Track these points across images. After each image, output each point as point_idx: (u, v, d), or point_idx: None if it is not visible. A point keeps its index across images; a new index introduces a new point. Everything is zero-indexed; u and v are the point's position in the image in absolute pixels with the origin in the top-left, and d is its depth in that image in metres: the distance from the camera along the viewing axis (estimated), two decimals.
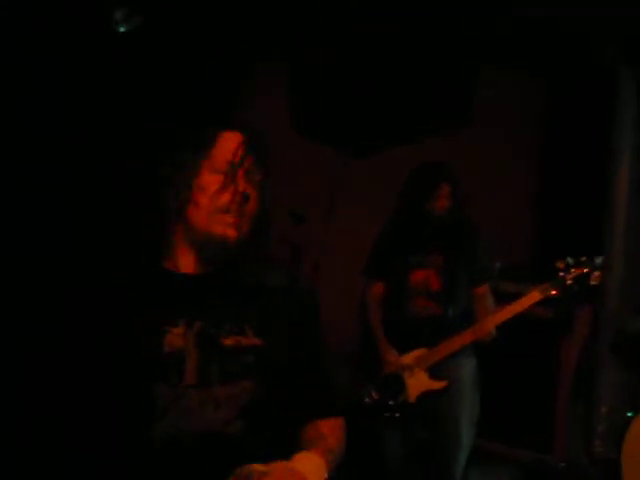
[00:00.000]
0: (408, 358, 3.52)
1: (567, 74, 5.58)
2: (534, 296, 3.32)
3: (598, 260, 3.25)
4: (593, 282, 3.24)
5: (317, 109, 4.73)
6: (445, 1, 4.55)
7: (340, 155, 4.78)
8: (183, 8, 3.49)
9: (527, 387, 5.05)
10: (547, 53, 5.27)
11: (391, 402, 3.53)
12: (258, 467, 1.52)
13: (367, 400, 3.59)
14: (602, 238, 5.23)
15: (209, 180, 1.76)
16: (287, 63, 4.85)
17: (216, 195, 1.75)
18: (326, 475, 1.65)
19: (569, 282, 3.25)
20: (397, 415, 3.53)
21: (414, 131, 4.86)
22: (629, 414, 4.23)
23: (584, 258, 3.26)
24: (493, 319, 3.40)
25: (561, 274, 3.27)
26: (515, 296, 3.48)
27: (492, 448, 5.12)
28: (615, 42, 4.93)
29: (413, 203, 3.56)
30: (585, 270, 3.24)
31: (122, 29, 2.78)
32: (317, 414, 1.81)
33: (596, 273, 3.23)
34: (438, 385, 3.47)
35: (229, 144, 1.80)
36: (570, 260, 3.27)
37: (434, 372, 3.48)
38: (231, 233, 1.74)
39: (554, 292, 3.28)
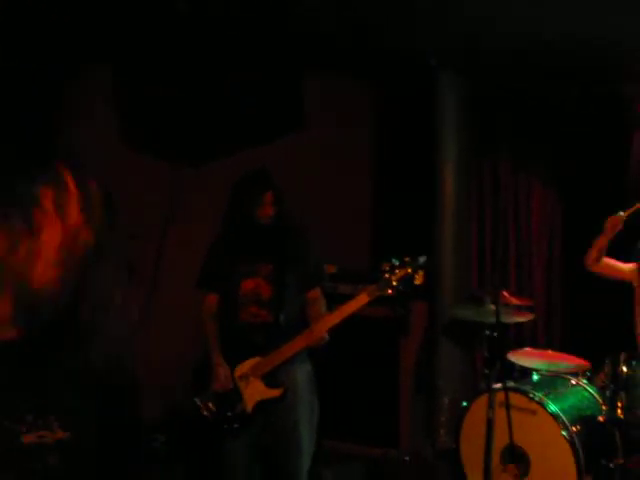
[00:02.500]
0: (243, 368, 3.51)
1: (395, 78, 5.77)
2: (362, 298, 3.38)
3: (422, 260, 3.34)
4: (417, 282, 3.32)
5: (146, 121, 4.61)
6: (276, 5, 4.58)
7: (174, 167, 4.69)
8: None
9: (371, 385, 5.18)
10: (374, 60, 5.42)
11: (229, 413, 3.51)
12: None
13: (206, 414, 3.55)
14: (432, 239, 5.47)
15: None
16: (112, 75, 4.70)
17: None
18: None
19: (394, 283, 3.32)
20: (236, 426, 3.51)
21: (246, 138, 4.85)
22: (464, 404, 4.43)
23: (408, 259, 3.34)
24: (324, 323, 3.44)
25: (386, 275, 3.34)
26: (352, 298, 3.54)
27: (342, 448, 5.21)
28: (437, 51, 5.15)
29: (238, 212, 3.56)
30: (409, 270, 3.32)
31: None
32: None
33: (420, 273, 3.32)
34: (274, 393, 3.48)
35: None
36: (395, 261, 3.35)
37: (270, 380, 3.49)
38: None
39: (380, 293, 3.35)
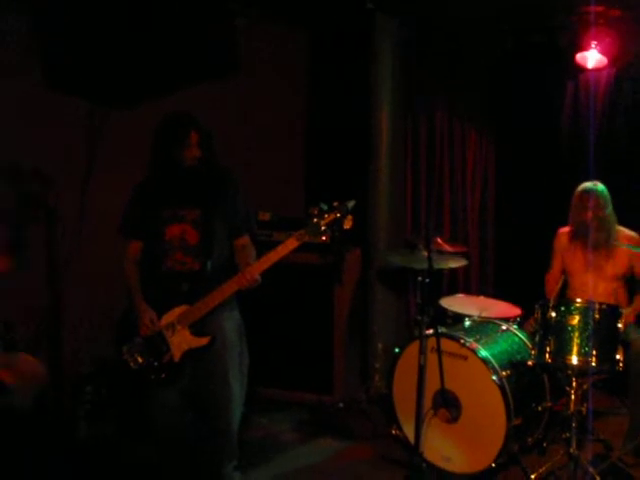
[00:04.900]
0: (169, 317, 3.42)
1: (331, 22, 5.64)
2: (290, 243, 3.30)
3: (350, 204, 3.28)
4: (346, 226, 3.26)
5: (69, 58, 4.39)
6: None
7: (97, 107, 4.50)
8: None
9: (305, 333, 5.16)
10: (308, 2, 5.29)
11: (156, 363, 3.43)
12: None
13: (132, 365, 3.46)
14: (367, 185, 5.43)
15: None
16: (33, 10, 4.45)
17: None
18: None
19: (323, 227, 3.25)
20: (163, 376, 3.43)
21: (175, 80, 4.68)
22: (396, 350, 4.44)
23: (336, 203, 3.28)
24: (254, 268, 3.36)
25: (315, 220, 3.26)
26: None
27: (276, 395, 5.21)
28: None
29: (162, 154, 3.42)
30: (338, 215, 3.25)
31: None
32: None
33: (348, 217, 3.25)
34: (202, 342, 3.40)
35: None
36: (323, 206, 3.28)
37: (197, 328, 3.41)
38: None
39: (309, 238, 3.29)
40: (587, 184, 4.52)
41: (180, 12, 4.67)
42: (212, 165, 3.47)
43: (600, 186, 4.50)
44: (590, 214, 4.43)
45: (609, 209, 4.47)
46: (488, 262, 5.93)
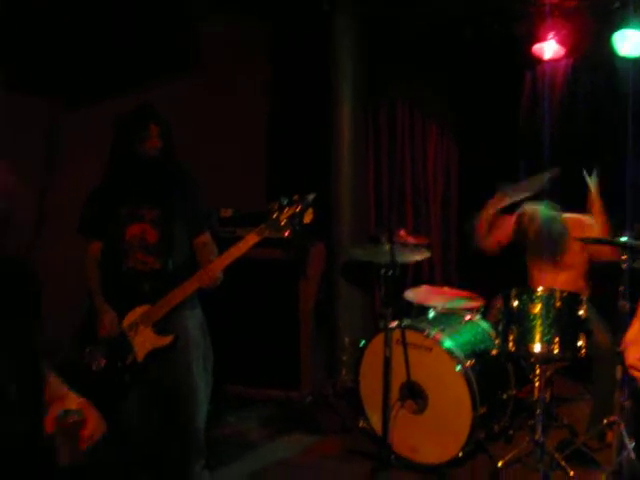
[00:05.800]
0: (132, 316, 3.38)
1: (290, 21, 5.64)
2: (251, 238, 3.27)
3: (310, 197, 3.25)
4: (306, 220, 3.24)
5: (27, 57, 4.32)
6: None
7: (54, 107, 4.43)
8: None
9: (270, 328, 5.15)
10: (270, 3, 5.28)
11: (119, 365, 3.39)
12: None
13: (94, 367, 3.41)
14: (329, 179, 5.43)
15: None
16: None
17: None
18: None
19: (283, 222, 3.23)
20: (127, 377, 3.40)
21: (136, 78, 4.63)
22: (362, 343, 4.45)
23: (296, 197, 3.25)
24: (215, 265, 3.33)
25: (275, 215, 3.24)
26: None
27: (243, 392, 5.19)
28: None
29: (122, 147, 3.38)
30: (298, 209, 3.23)
31: None
32: None
33: (309, 210, 3.24)
34: (165, 341, 3.37)
35: None
36: (283, 200, 3.25)
37: (160, 328, 3.38)
38: None
39: (270, 233, 3.26)
40: (525, 207, 4.56)
41: (139, 9, 4.62)
42: (171, 160, 3.43)
43: (537, 206, 4.55)
44: (532, 235, 4.52)
45: (549, 221, 4.50)
46: (451, 253, 5.97)
